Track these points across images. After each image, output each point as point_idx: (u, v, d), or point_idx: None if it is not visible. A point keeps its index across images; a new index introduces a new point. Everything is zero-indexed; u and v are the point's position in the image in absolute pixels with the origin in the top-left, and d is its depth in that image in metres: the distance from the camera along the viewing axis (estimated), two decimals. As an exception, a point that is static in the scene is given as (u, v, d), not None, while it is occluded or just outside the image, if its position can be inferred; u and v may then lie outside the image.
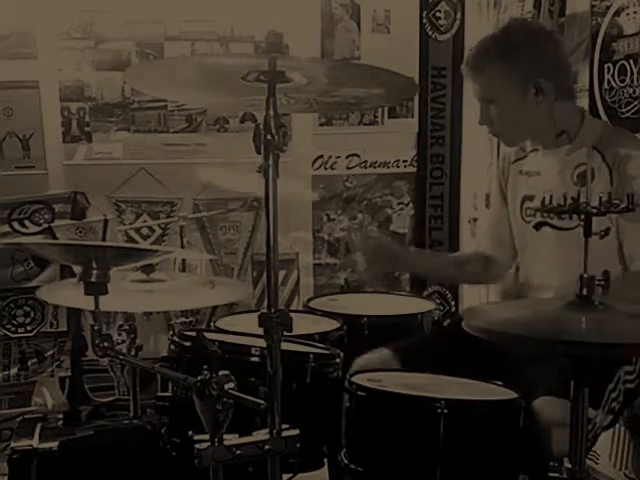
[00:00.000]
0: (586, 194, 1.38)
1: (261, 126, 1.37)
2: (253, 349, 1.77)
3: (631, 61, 2.34)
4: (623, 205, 1.36)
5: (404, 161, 3.60)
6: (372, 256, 2.35)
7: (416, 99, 3.50)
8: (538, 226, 2.10)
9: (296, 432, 1.44)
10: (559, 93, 2.00)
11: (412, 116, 3.56)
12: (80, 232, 3.26)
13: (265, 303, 1.41)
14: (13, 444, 1.87)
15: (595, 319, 1.33)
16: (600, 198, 1.37)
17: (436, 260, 2.60)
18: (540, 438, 1.67)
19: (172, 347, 1.92)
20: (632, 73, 2.34)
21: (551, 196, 1.47)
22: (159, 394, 1.92)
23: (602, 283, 1.37)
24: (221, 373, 1.41)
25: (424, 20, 3.47)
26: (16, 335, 3.30)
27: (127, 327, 2.40)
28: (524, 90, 1.97)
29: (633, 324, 1.33)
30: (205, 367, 1.41)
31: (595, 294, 1.37)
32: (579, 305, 1.36)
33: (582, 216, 1.38)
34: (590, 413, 1.76)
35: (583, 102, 2.53)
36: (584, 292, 1.36)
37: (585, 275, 1.36)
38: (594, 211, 1.36)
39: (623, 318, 1.35)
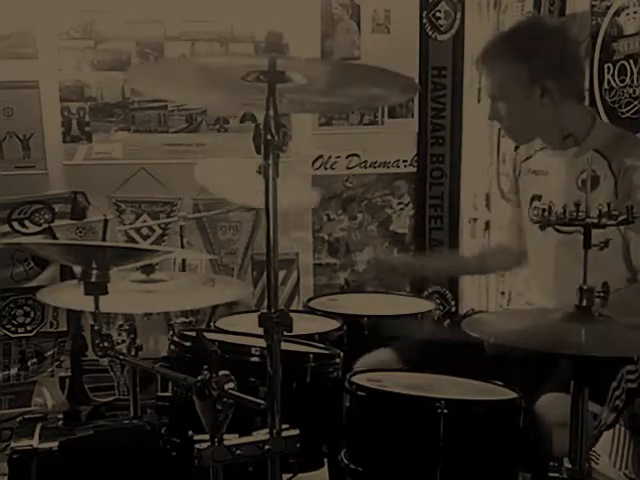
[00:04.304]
0: (586, 205, 1.37)
1: (261, 126, 1.37)
2: (253, 349, 1.77)
3: (631, 61, 2.34)
4: (623, 217, 1.35)
5: (404, 161, 3.60)
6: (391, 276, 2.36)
7: (416, 99, 3.50)
8: (542, 227, 2.10)
9: (296, 432, 1.44)
10: (567, 95, 2.00)
11: (412, 116, 3.56)
12: (80, 232, 3.26)
13: (265, 303, 1.41)
14: (13, 444, 1.87)
15: (595, 331, 1.33)
16: (600, 210, 1.36)
17: (458, 263, 2.65)
18: (543, 438, 1.67)
19: (172, 347, 1.92)
20: (632, 73, 2.34)
21: (550, 207, 1.47)
22: (159, 394, 1.92)
23: (601, 294, 1.36)
24: (221, 373, 1.41)
25: (424, 20, 3.47)
26: (16, 335, 3.30)
27: (127, 327, 2.39)
28: (530, 90, 1.97)
29: (633, 336, 1.33)
30: (205, 367, 1.41)
31: (595, 305, 1.36)
32: (578, 317, 1.36)
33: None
34: (596, 409, 1.76)
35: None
36: (583, 303, 1.36)
37: (584, 287, 1.35)
38: (593, 222, 1.36)
39: (623, 330, 1.35)
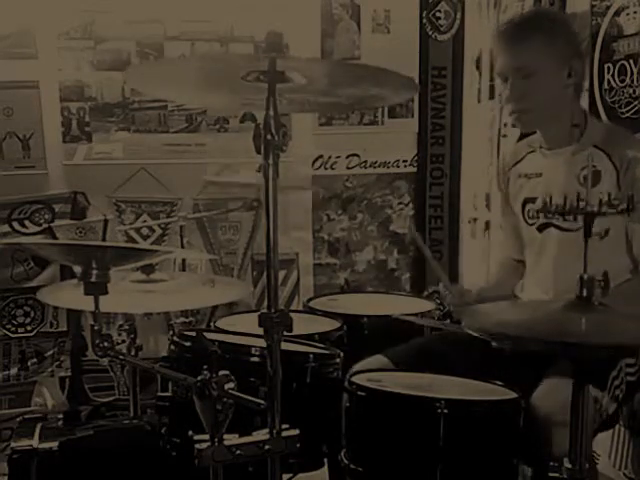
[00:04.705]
0: (586, 194, 1.38)
1: (261, 126, 1.37)
2: (253, 349, 1.77)
3: (631, 61, 2.34)
4: (623, 206, 1.36)
5: (404, 161, 3.60)
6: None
7: (416, 99, 3.50)
8: (541, 228, 2.09)
9: (296, 432, 1.44)
10: (582, 80, 2.03)
11: (412, 116, 3.56)
12: (80, 232, 3.26)
13: (265, 303, 1.41)
14: (13, 444, 1.87)
15: (595, 320, 1.33)
16: (600, 199, 1.37)
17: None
18: (539, 430, 1.67)
19: (172, 347, 1.92)
20: (632, 73, 2.34)
21: (551, 197, 1.46)
22: (159, 394, 1.92)
23: (601, 284, 1.37)
24: (221, 373, 1.41)
25: (424, 20, 3.47)
26: (16, 335, 3.30)
27: (127, 327, 2.39)
28: (560, 67, 1.97)
29: (632, 325, 1.33)
30: (205, 367, 1.41)
31: (595, 295, 1.37)
32: (579, 306, 1.36)
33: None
34: (597, 393, 1.77)
35: (583, 102, 2.52)
36: (584, 293, 1.36)
37: (585, 276, 1.36)
38: (594, 211, 1.36)
39: (622, 319, 1.35)
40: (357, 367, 1.91)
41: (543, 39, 1.96)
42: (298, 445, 1.44)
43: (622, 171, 1.90)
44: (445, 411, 1.53)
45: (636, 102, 2.34)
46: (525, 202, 2.15)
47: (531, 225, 2.13)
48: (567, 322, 1.33)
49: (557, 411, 1.63)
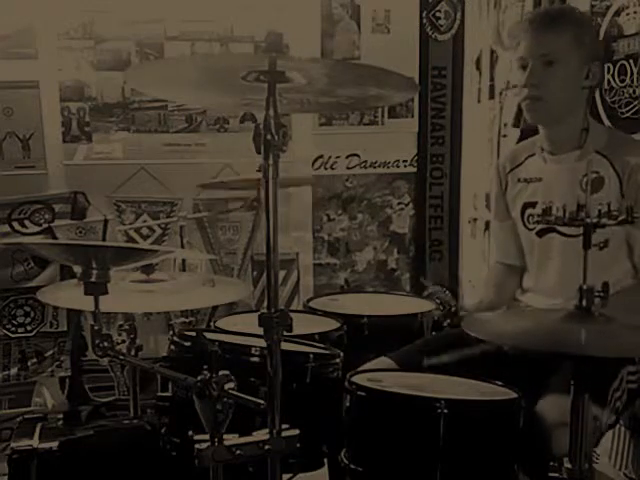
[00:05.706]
0: (586, 202, 1.37)
1: (261, 126, 1.37)
2: (253, 349, 1.77)
3: (631, 61, 2.34)
4: (622, 217, 1.36)
5: (404, 161, 3.60)
6: None
7: (416, 99, 3.51)
8: (541, 233, 2.08)
9: (296, 432, 1.44)
10: (593, 89, 2.04)
11: (412, 116, 3.57)
12: (80, 232, 3.26)
13: (265, 303, 1.41)
14: (13, 444, 1.87)
15: (595, 331, 1.33)
16: (599, 211, 1.36)
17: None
18: (544, 440, 1.67)
19: (172, 347, 1.92)
20: (632, 73, 2.34)
21: (550, 204, 1.45)
22: (159, 394, 1.92)
23: (601, 294, 1.37)
24: (221, 373, 1.41)
25: (424, 20, 3.47)
26: (16, 335, 3.30)
27: (127, 327, 2.39)
28: (581, 66, 1.96)
29: (632, 335, 1.33)
30: (205, 367, 1.41)
31: (595, 305, 1.37)
32: (578, 316, 1.36)
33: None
34: (597, 411, 1.76)
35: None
36: (583, 304, 1.36)
37: (584, 286, 1.36)
38: (593, 223, 1.36)
39: (622, 330, 1.35)
40: (361, 370, 1.91)
41: (572, 32, 1.95)
42: (298, 445, 1.44)
43: (625, 178, 1.89)
44: (445, 411, 1.53)
45: (636, 102, 2.34)
46: (525, 207, 2.13)
47: (530, 230, 2.11)
48: (567, 333, 1.33)
49: (563, 421, 1.62)
